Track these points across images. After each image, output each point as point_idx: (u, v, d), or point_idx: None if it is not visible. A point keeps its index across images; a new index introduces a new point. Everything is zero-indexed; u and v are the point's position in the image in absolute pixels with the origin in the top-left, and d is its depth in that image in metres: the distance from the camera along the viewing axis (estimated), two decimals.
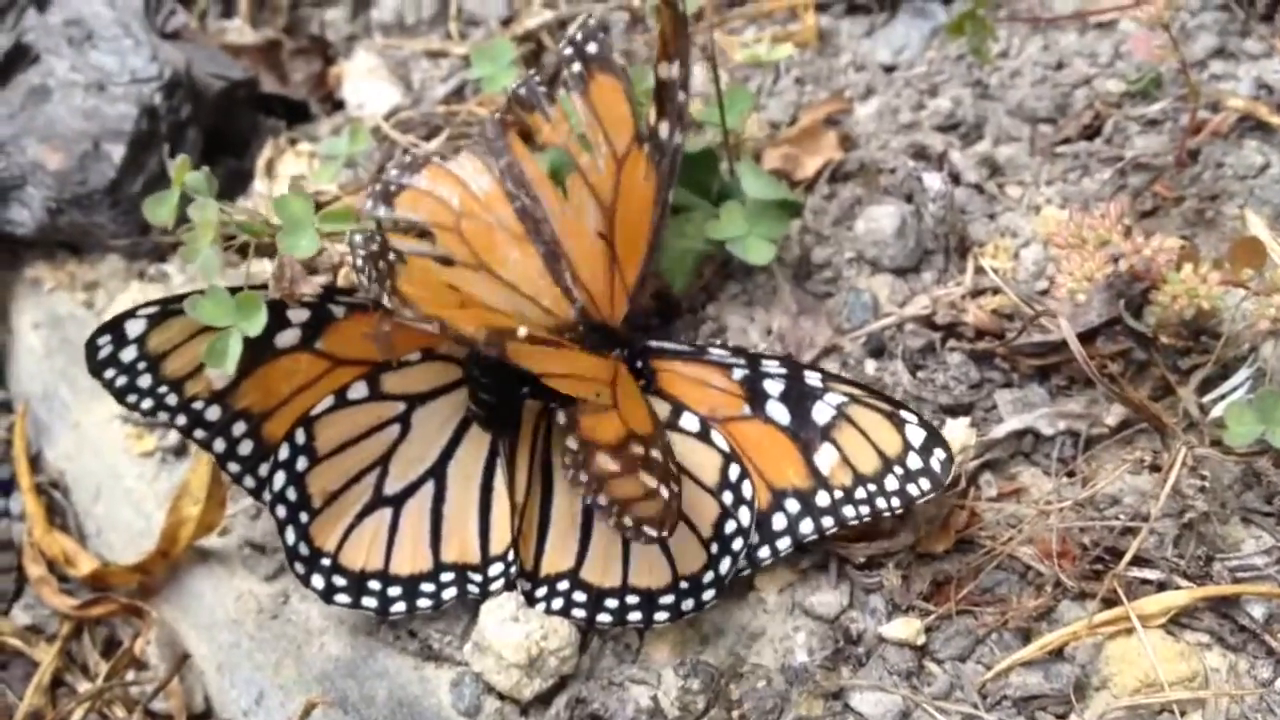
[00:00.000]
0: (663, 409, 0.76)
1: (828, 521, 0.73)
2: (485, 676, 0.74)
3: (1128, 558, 0.72)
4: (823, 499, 0.73)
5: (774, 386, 0.74)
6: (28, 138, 1.00)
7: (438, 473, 0.78)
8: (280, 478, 0.76)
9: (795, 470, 0.73)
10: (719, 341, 0.87)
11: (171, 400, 0.75)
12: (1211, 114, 0.92)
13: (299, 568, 0.77)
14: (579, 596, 0.75)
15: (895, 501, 0.72)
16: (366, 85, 1.12)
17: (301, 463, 0.77)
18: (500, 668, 0.73)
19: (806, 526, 0.73)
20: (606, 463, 0.66)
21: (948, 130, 0.98)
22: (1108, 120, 0.95)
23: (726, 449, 0.74)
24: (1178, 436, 0.76)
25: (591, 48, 0.80)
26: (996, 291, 0.86)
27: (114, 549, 0.92)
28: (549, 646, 0.73)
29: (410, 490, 0.78)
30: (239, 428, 0.77)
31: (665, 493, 0.65)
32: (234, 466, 0.78)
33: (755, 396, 0.75)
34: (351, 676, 0.78)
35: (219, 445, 0.77)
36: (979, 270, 0.88)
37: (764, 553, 0.74)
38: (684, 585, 0.73)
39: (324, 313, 0.76)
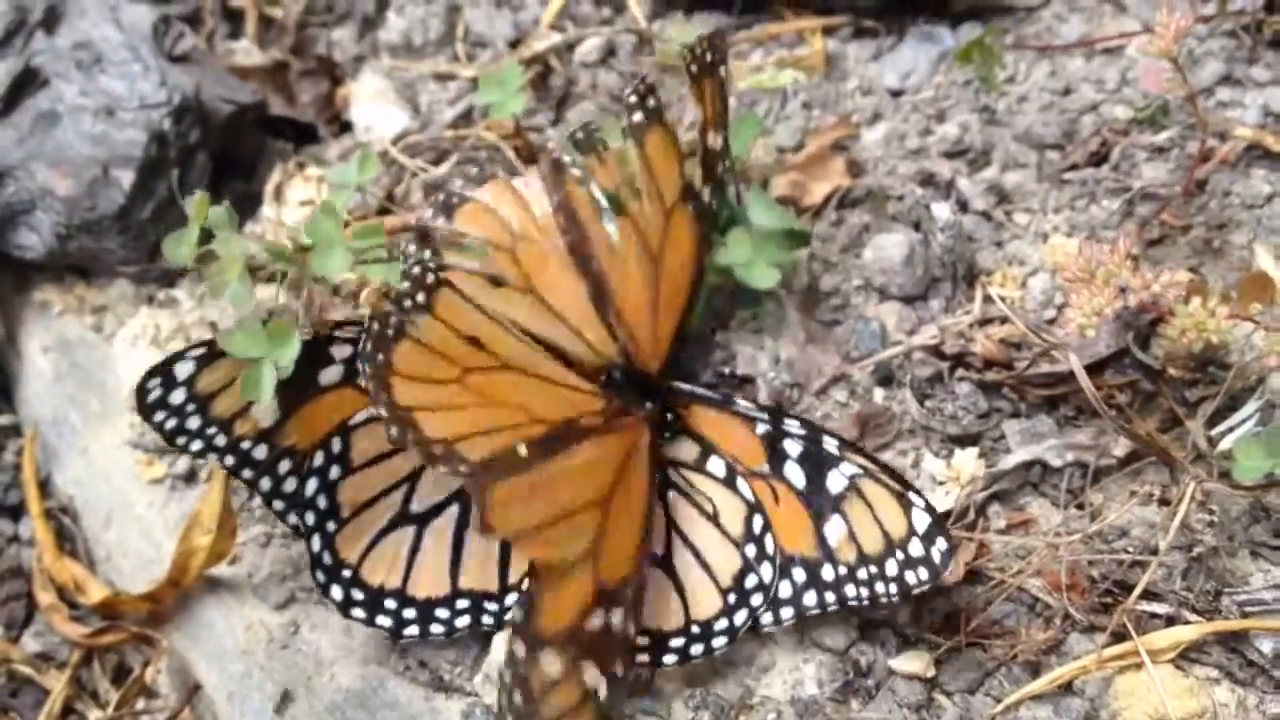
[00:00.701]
0: (691, 450, 0.77)
1: (830, 597, 0.73)
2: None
3: (1137, 591, 0.73)
4: (828, 573, 0.73)
5: (793, 447, 0.74)
6: (37, 162, 1.00)
7: (464, 496, 0.78)
8: (313, 484, 0.77)
9: (806, 538, 0.73)
10: (737, 381, 0.87)
11: (220, 441, 0.76)
12: (1219, 143, 0.92)
13: (320, 576, 0.77)
14: None
15: (894, 588, 0.71)
16: (374, 108, 1.12)
17: (335, 471, 0.77)
18: None
19: (810, 599, 0.73)
20: (550, 665, 0.67)
21: (955, 156, 0.99)
22: (1115, 147, 0.96)
23: (752, 499, 0.74)
24: (1186, 469, 0.76)
25: (652, 102, 0.81)
26: (1004, 321, 0.86)
27: (124, 575, 0.92)
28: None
29: (435, 511, 0.78)
30: (284, 465, 0.77)
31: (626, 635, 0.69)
32: (279, 504, 0.78)
33: (775, 455, 0.75)
34: (362, 707, 0.78)
35: (265, 484, 0.78)
36: (987, 299, 0.88)
37: (767, 618, 0.74)
38: (695, 630, 0.74)
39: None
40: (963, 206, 0.94)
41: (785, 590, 0.74)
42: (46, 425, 1.01)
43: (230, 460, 0.77)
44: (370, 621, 0.77)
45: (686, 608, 0.74)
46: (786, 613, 0.74)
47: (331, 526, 0.77)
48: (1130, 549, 0.75)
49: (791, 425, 0.75)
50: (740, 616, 0.73)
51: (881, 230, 0.93)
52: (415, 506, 0.78)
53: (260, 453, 0.77)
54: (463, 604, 0.77)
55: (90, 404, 0.98)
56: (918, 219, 0.93)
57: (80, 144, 1.00)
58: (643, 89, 0.80)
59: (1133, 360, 0.81)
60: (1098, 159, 0.96)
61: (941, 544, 0.71)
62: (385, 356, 0.68)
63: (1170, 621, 0.73)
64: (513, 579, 0.77)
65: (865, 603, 0.72)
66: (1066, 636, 0.74)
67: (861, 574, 0.72)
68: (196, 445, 0.76)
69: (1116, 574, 0.75)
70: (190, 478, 0.92)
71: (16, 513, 1.00)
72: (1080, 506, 0.79)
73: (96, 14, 1.07)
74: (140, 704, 0.86)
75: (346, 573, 0.77)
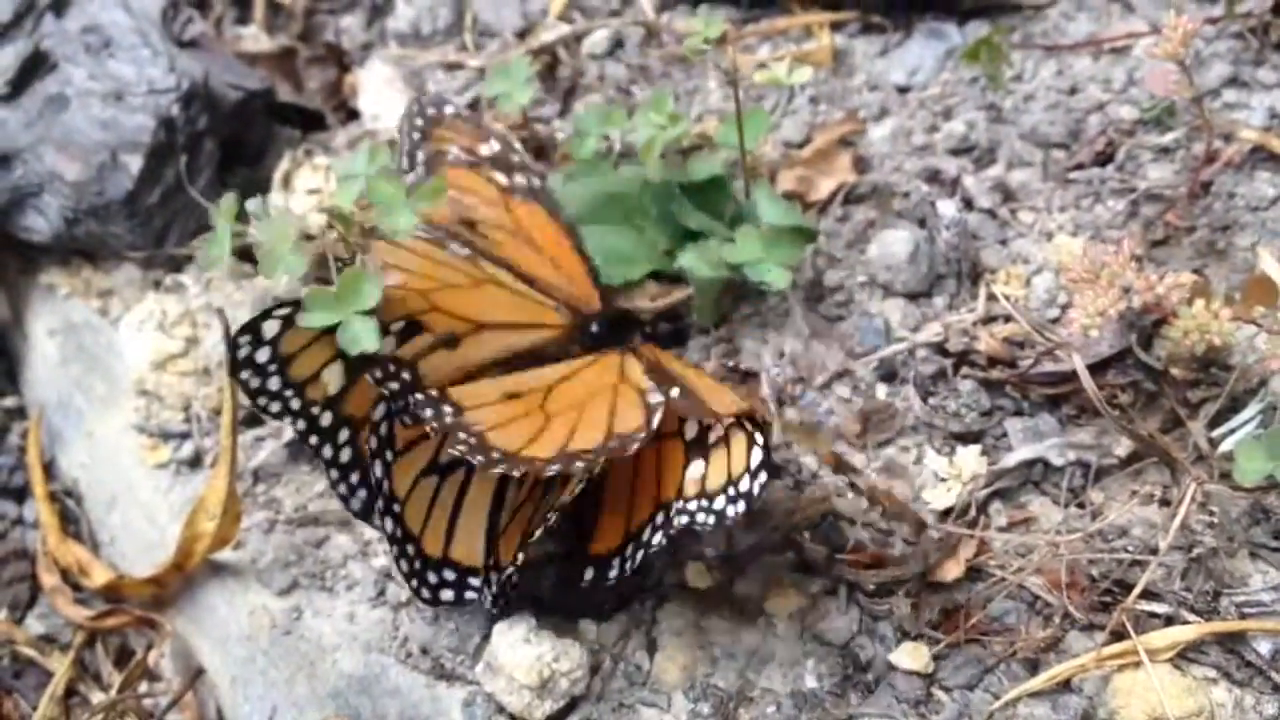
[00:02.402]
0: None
1: (663, 538, 0.71)
2: (497, 697, 0.75)
3: (1136, 591, 0.73)
4: (672, 509, 0.71)
5: None
6: (45, 146, 1.00)
7: None
8: (380, 410, 0.75)
9: (671, 482, 0.72)
10: (730, 364, 0.88)
11: (295, 404, 0.76)
12: (1225, 144, 0.93)
13: (379, 504, 0.77)
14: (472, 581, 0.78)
15: (710, 520, 0.68)
16: (382, 96, 1.12)
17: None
18: (512, 688, 0.74)
19: (655, 538, 0.72)
20: None
21: (961, 154, 0.99)
22: (1121, 147, 0.96)
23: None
24: (1187, 470, 0.77)
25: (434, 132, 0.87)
26: (1008, 319, 0.86)
27: (127, 559, 0.93)
28: (560, 668, 0.74)
29: (453, 464, 0.78)
30: (343, 435, 0.77)
31: None
32: (334, 474, 0.78)
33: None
34: (365, 694, 0.78)
35: (327, 452, 0.77)
36: (991, 297, 0.88)
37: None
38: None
39: (415, 322, 0.76)
40: (968, 204, 0.95)
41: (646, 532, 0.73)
42: (52, 408, 1.01)
43: (301, 424, 0.76)
44: (396, 559, 0.77)
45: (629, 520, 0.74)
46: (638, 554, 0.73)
47: (389, 456, 0.76)
48: (1130, 548, 0.76)
49: None
50: (634, 553, 0.73)
51: (887, 227, 0.93)
52: (443, 457, 0.78)
53: (326, 419, 0.77)
54: (449, 574, 0.78)
55: (96, 388, 0.99)
56: (923, 216, 0.94)
57: (89, 128, 1.00)
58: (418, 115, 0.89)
59: (1135, 361, 0.81)
60: (1103, 159, 0.96)
61: (761, 478, 0.67)
62: (499, 451, 0.69)
63: (1169, 621, 0.73)
64: (502, 558, 0.77)
65: (681, 529, 0.70)
66: (1066, 634, 0.74)
67: (691, 505, 0.69)
68: (275, 407, 0.75)
69: (1116, 573, 0.75)
70: (195, 463, 0.93)
71: (21, 495, 1.01)
72: (1081, 505, 0.79)
73: None
74: (143, 687, 0.86)
75: (396, 507, 0.77)
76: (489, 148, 0.87)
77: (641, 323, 0.86)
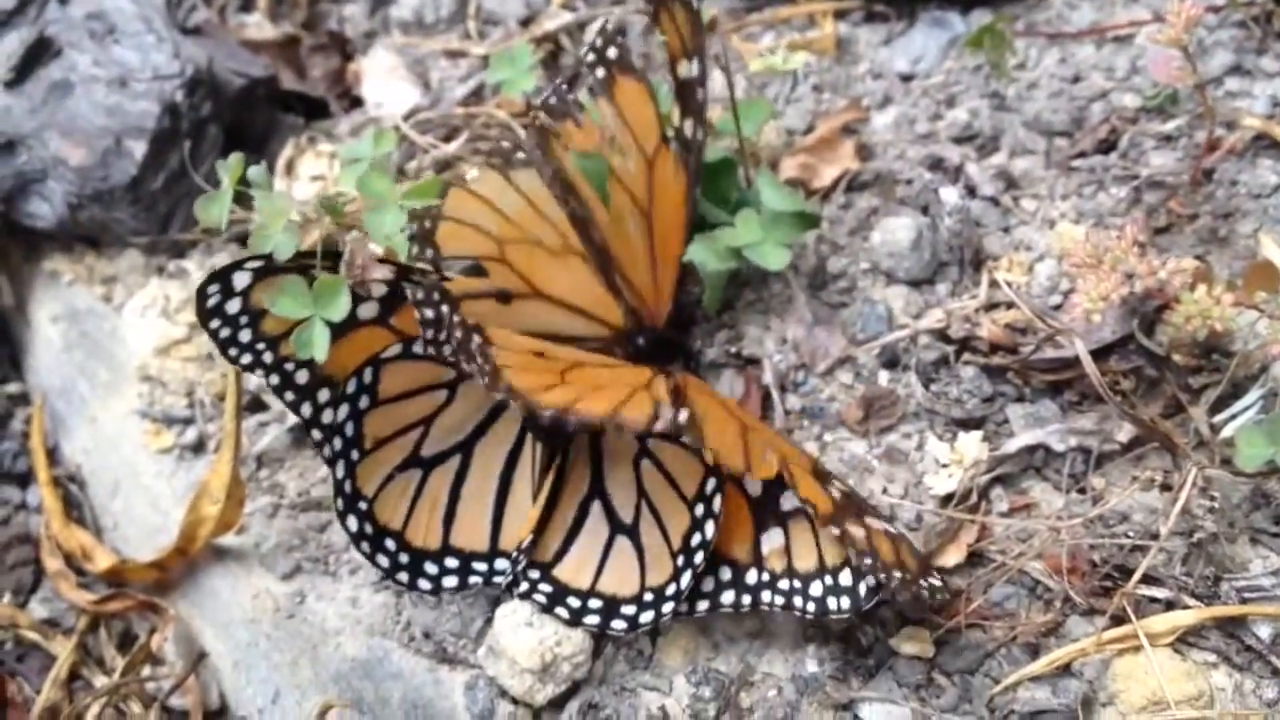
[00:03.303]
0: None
1: (746, 599, 0.73)
2: (499, 680, 0.75)
3: (1137, 576, 0.73)
4: (751, 577, 0.73)
5: (842, 486, 0.73)
6: (49, 132, 1.00)
7: (466, 448, 0.79)
8: (343, 410, 0.77)
9: (741, 543, 0.74)
10: (732, 350, 0.88)
11: (268, 358, 0.76)
12: (1227, 132, 0.92)
13: (340, 504, 0.78)
14: (545, 588, 0.76)
15: (812, 607, 0.71)
16: (385, 84, 1.12)
17: (364, 401, 0.77)
18: (514, 672, 0.74)
19: (728, 597, 0.74)
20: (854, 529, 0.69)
21: (964, 141, 0.99)
22: (1123, 135, 0.96)
23: (711, 462, 0.74)
24: (1188, 455, 0.77)
25: (612, 52, 0.82)
26: (1010, 305, 0.86)
27: (130, 544, 0.93)
28: (562, 652, 0.74)
29: (441, 458, 0.79)
30: (324, 394, 0.78)
31: None
32: (317, 434, 0.79)
33: (821, 475, 0.74)
34: (367, 678, 0.78)
35: (306, 410, 0.78)
36: (993, 284, 0.88)
37: (727, 598, 0.74)
38: (648, 597, 0.74)
39: (399, 290, 0.76)
40: (971, 192, 0.95)
41: (709, 584, 0.74)
42: (55, 394, 1.02)
43: (275, 379, 0.77)
44: (371, 559, 0.78)
45: (644, 574, 0.75)
46: (703, 605, 0.74)
47: (355, 455, 0.77)
48: (1131, 534, 0.76)
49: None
50: (686, 578, 0.73)
51: (890, 214, 0.93)
52: (426, 450, 0.79)
53: (302, 377, 0.77)
54: (451, 562, 0.78)
55: (99, 373, 0.99)
56: (926, 203, 0.94)
57: (93, 114, 1.00)
58: (599, 41, 0.81)
59: (1137, 346, 0.81)
60: (1106, 146, 0.96)
61: (870, 581, 0.70)
62: (509, 386, 0.68)
63: (1169, 606, 0.74)
64: (504, 543, 0.78)
65: (777, 609, 0.73)
66: (1066, 619, 0.75)
67: (783, 584, 0.72)
68: (246, 359, 0.76)
69: (1117, 558, 0.75)
70: (198, 448, 0.93)
71: (25, 480, 1.01)
72: (1082, 491, 0.79)
73: None
74: (146, 671, 0.87)
75: (363, 505, 0.78)
76: (686, 69, 0.83)
77: (691, 353, 0.85)
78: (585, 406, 0.68)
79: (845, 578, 0.71)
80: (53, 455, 1.00)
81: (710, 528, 0.73)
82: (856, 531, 0.69)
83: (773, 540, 0.73)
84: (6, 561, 0.95)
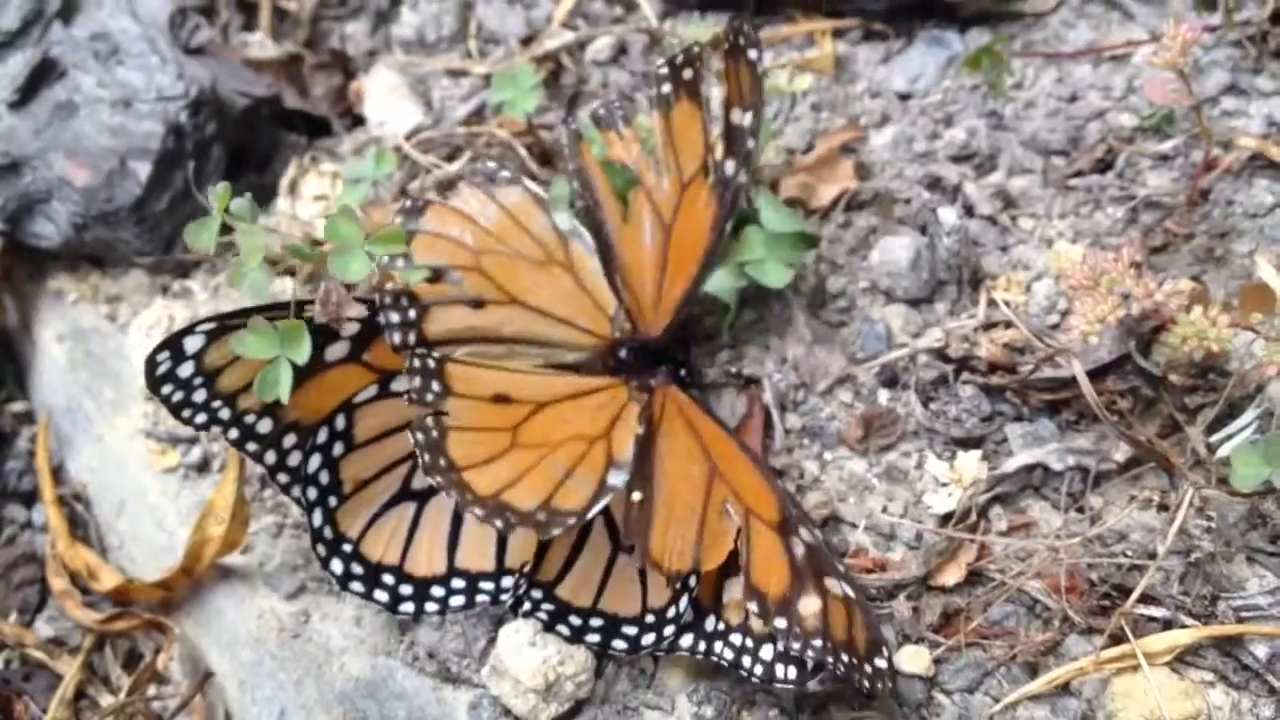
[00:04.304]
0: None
1: (701, 646, 0.74)
2: (503, 700, 0.76)
3: (1135, 595, 0.74)
4: (709, 624, 0.73)
5: (805, 534, 0.74)
6: (54, 153, 1.01)
7: None
8: (315, 460, 0.78)
9: (705, 584, 0.74)
10: (732, 370, 0.89)
11: (225, 414, 0.77)
12: (1223, 152, 0.93)
13: (321, 550, 0.78)
14: (547, 606, 0.77)
15: (759, 670, 0.71)
16: (387, 103, 1.13)
17: (338, 448, 0.78)
18: (517, 692, 0.75)
19: (686, 640, 0.74)
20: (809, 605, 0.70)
21: (962, 161, 1.00)
22: (1120, 155, 0.97)
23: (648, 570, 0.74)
24: (1185, 475, 0.77)
25: (687, 74, 0.83)
26: (1009, 325, 0.87)
27: (136, 563, 0.93)
28: (566, 672, 0.75)
29: (435, 489, 0.79)
30: (289, 440, 0.79)
31: None
32: (284, 477, 0.80)
33: (786, 527, 0.74)
34: (371, 697, 0.79)
35: (270, 458, 0.79)
36: (992, 303, 0.89)
37: (685, 641, 0.74)
38: (649, 619, 0.75)
39: (372, 326, 0.77)
40: (969, 211, 0.96)
41: (715, 624, 0.74)
42: (60, 413, 1.02)
43: (235, 434, 0.78)
44: (368, 596, 0.79)
45: (645, 595, 0.75)
46: (719, 647, 0.74)
47: (333, 501, 0.78)
48: (1129, 553, 0.77)
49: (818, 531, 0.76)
50: (683, 602, 0.73)
51: (888, 233, 0.94)
52: (417, 483, 0.79)
53: (264, 427, 0.78)
54: (458, 583, 0.79)
55: (104, 392, 0.99)
56: (924, 223, 0.94)
57: (98, 135, 1.01)
58: (680, 59, 0.82)
59: (1134, 367, 0.82)
60: (1103, 166, 0.97)
61: (880, 663, 0.70)
62: (447, 460, 0.69)
63: (1167, 625, 0.74)
64: (510, 561, 0.78)
65: (727, 665, 0.73)
66: (1065, 638, 0.75)
67: (735, 639, 0.72)
68: (201, 418, 0.77)
69: (1115, 577, 0.76)
70: (203, 467, 0.93)
71: (30, 499, 1.02)
72: (1080, 510, 0.80)
73: (113, 5, 1.08)
74: (151, 690, 0.87)
75: (347, 547, 0.79)
76: (739, 116, 0.84)
77: (689, 367, 0.86)
78: (515, 499, 0.69)
79: (871, 662, 0.71)
80: (58, 474, 1.01)
81: None
82: (807, 609, 0.70)
83: (732, 591, 0.73)
84: (12, 581, 0.96)
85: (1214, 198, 0.92)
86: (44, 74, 1.04)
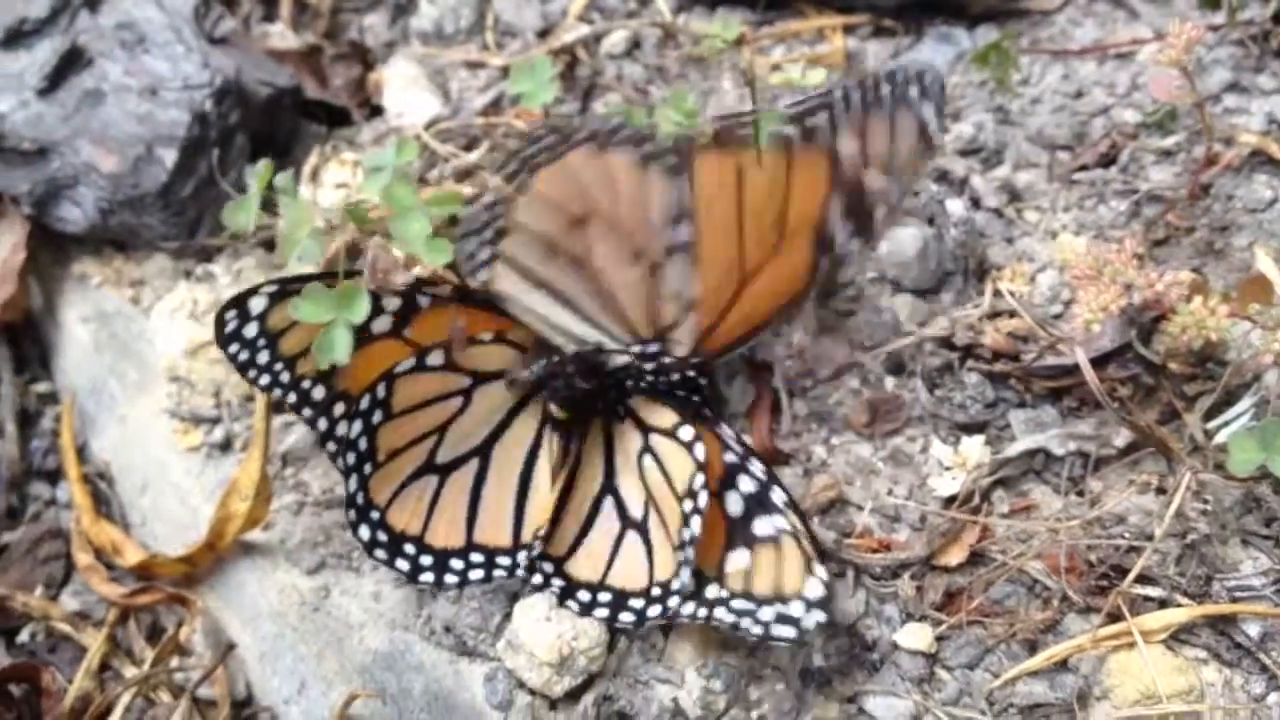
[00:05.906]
0: (670, 418, 0.79)
1: (702, 612, 0.75)
2: (517, 673, 0.78)
3: (1132, 575, 0.76)
4: (711, 591, 0.75)
5: (746, 484, 0.76)
6: (81, 139, 1.03)
7: (484, 452, 0.82)
8: (357, 426, 0.80)
9: (709, 554, 0.75)
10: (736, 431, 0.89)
11: (285, 377, 0.80)
12: (1224, 148, 0.95)
13: (351, 515, 0.80)
14: (558, 581, 0.79)
15: (757, 630, 0.73)
16: (406, 94, 1.15)
17: (378, 415, 0.80)
18: (532, 665, 0.77)
19: (687, 608, 0.75)
20: None
21: (969, 154, 1.02)
22: (1124, 150, 0.98)
23: (702, 459, 0.75)
24: (1183, 460, 0.79)
25: (814, 120, 0.80)
26: (1013, 314, 0.89)
27: (158, 539, 0.95)
28: (579, 646, 0.77)
29: (457, 463, 0.81)
30: (339, 409, 0.81)
31: None
32: (332, 446, 0.82)
33: (728, 482, 0.76)
34: (390, 670, 0.81)
35: (322, 424, 0.81)
36: (997, 293, 0.91)
37: (687, 609, 0.75)
38: (655, 592, 0.76)
39: (413, 302, 0.80)
40: (975, 203, 0.97)
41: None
42: (84, 393, 1.04)
43: (292, 397, 0.80)
44: (390, 564, 0.81)
45: (651, 569, 0.77)
46: (654, 610, 0.76)
47: (368, 469, 0.80)
48: (1127, 535, 0.78)
49: (756, 467, 0.76)
50: (685, 573, 0.74)
51: (896, 224, 0.96)
52: (441, 457, 0.81)
53: (319, 394, 0.80)
54: (476, 557, 0.81)
55: (128, 374, 1.01)
56: (932, 214, 0.96)
57: (125, 122, 1.03)
58: (815, 103, 0.79)
59: (1135, 355, 0.84)
60: (1107, 161, 0.99)
61: (818, 615, 0.72)
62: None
63: (1163, 604, 0.76)
64: (525, 536, 0.80)
65: (726, 629, 0.74)
66: (1063, 617, 0.77)
67: (736, 604, 0.74)
68: (264, 380, 0.79)
69: (1113, 559, 0.78)
70: (225, 447, 0.95)
71: (55, 477, 1.04)
72: (1081, 493, 0.82)
73: None
74: (174, 662, 0.89)
75: (375, 514, 0.80)
76: (877, 180, 0.80)
77: (702, 394, 0.83)
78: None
79: (795, 608, 0.72)
80: (82, 453, 1.03)
81: (696, 523, 0.74)
82: (734, 565, 0.74)
83: (738, 560, 0.74)
84: (38, 556, 0.98)
85: (1215, 192, 0.94)
86: (72, 62, 1.06)
